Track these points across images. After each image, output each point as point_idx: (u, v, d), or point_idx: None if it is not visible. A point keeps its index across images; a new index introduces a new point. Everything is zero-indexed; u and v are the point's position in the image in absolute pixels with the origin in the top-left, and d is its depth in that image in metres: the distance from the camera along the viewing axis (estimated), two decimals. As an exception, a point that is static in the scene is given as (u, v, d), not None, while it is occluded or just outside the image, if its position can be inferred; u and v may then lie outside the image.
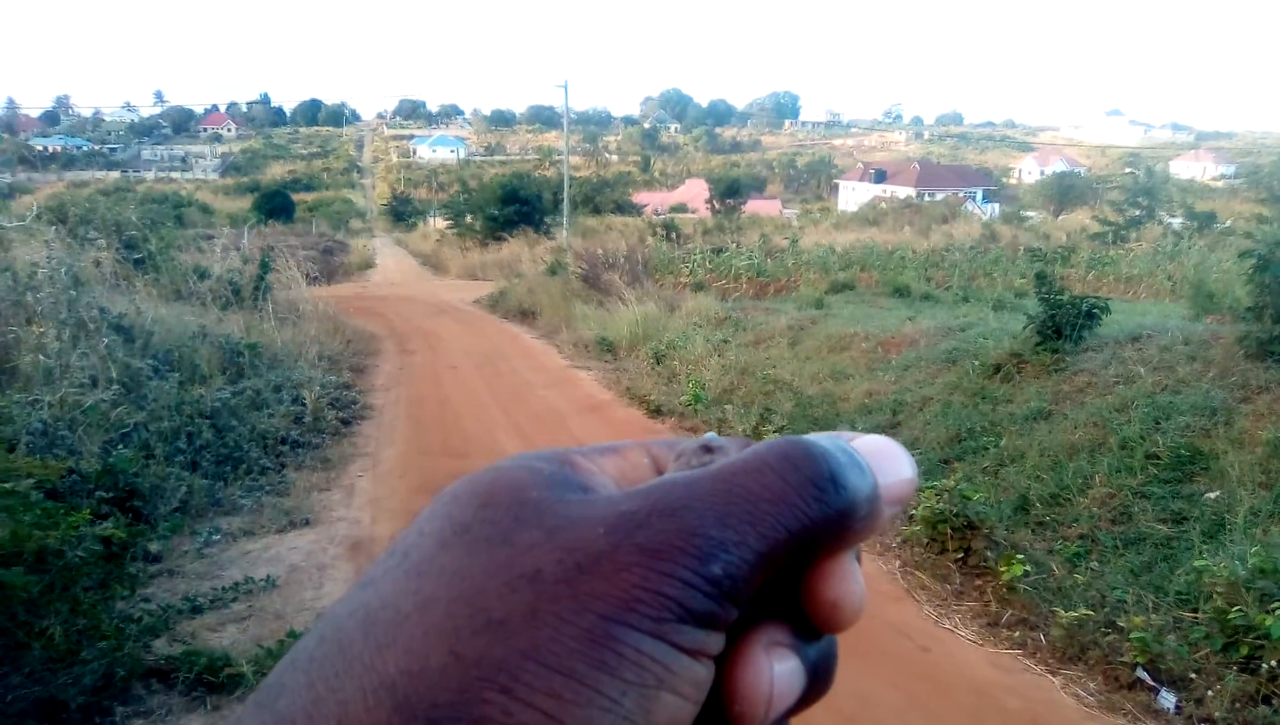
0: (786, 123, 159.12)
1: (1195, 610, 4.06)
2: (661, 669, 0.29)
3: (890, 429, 7.38)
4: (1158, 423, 5.97)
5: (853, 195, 70.46)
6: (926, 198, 52.86)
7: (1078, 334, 7.58)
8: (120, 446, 5.84)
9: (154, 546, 5.13)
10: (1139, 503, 5.28)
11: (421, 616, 0.30)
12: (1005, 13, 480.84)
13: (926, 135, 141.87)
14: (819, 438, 0.34)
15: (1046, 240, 27.00)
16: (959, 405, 7.43)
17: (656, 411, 8.50)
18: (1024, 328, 7.95)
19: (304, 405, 7.90)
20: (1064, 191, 54.30)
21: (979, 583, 4.75)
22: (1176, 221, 30.60)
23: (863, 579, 0.34)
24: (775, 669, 0.32)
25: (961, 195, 57.32)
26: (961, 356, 8.40)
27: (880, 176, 73.44)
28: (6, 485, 4.06)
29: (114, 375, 6.89)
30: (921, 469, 6.24)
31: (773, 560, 0.31)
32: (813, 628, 0.34)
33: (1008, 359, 7.76)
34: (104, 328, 7.70)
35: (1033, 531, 5.30)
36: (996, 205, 56.91)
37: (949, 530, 4.95)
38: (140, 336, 8.45)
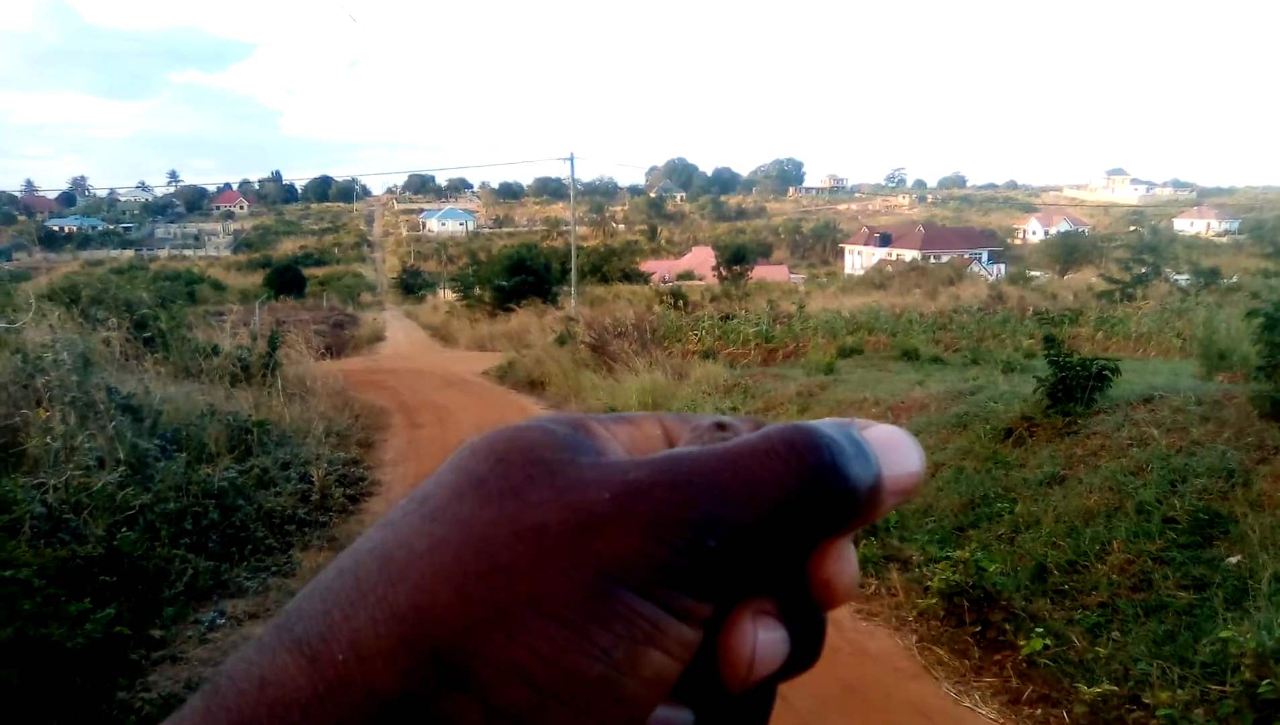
0: (791, 189, 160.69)
1: (1223, 683, 3.94)
2: (650, 627, 0.31)
3: (903, 496, 7.29)
4: (1174, 486, 5.88)
5: (859, 259, 70.97)
6: (932, 260, 53.03)
7: (1088, 396, 7.51)
8: (125, 529, 5.78)
9: (157, 632, 5.05)
10: (1159, 569, 5.17)
11: (433, 557, 0.32)
12: (1006, 75, 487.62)
13: (930, 198, 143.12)
14: (828, 425, 0.36)
15: (1053, 300, 27.01)
16: (971, 471, 7.34)
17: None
18: (1034, 391, 7.89)
19: (311, 483, 7.85)
20: (1069, 251, 54.56)
21: (998, 657, 4.63)
22: (1183, 278, 30.67)
23: (856, 562, 0.36)
24: (760, 636, 0.34)
25: (967, 257, 57.62)
26: (972, 421, 8.32)
27: (885, 240, 73.97)
28: (6, 573, 4.00)
29: (121, 456, 6.86)
30: (936, 538, 6.17)
31: (767, 540, 0.33)
32: (806, 604, 0.36)
33: (1019, 422, 7.69)
34: (112, 408, 7.69)
35: (1051, 600, 5.19)
36: (1002, 266, 57.14)
37: (966, 603, 4.84)
38: (148, 416, 8.44)
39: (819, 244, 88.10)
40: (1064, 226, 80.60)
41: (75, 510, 5.86)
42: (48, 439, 6.48)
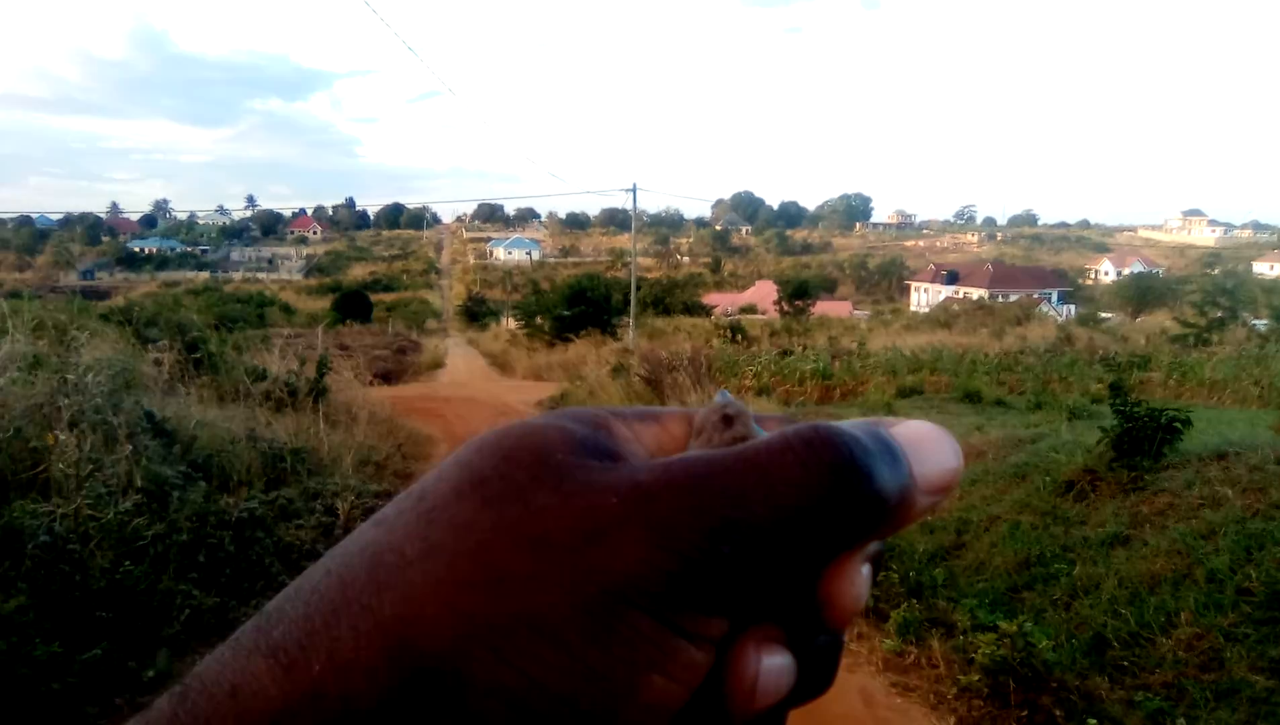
0: (858, 224, 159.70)
1: (1303, 789, 3.48)
2: (654, 649, 0.29)
3: (954, 550, 6.85)
4: (1249, 553, 5.37)
5: (925, 297, 70.04)
6: (1000, 299, 52.05)
7: (1157, 449, 7.00)
8: (128, 562, 5.57)
9: (149, 673, 4.81)
10: (1231, 647, 4.67)
11: (424, 564, 0.30)
12: (1080, 110, 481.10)
13: (1000, 236, 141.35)
14: (853, 424, 0.33)
15: (1124, 343, 26.13)
16: (1028, 526, 6.87)
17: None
18: (1098, 442, 7.40)
19: (336, 515, 7.62)
20: (1142, 293, 53.29)
21: (1044, 748, 4.18)
22: (1261, 323, 29.59)
23: (864, 581, 0.34)
24: (764, 663, 0.32)
25: (1036, 297, 56.33)
26: (1031, 471, 7.84)
27: (952, 278, 72.77)
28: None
29: (139, 483, 6.68)
30: (987, 600, 5.71)
31: (788, 548, 0.31)
32: (813, 624, 0.34)
33: (1081, 475, 7.19)
34: (138, 432, 7.55)
35: (1110, 678, 4.71)
36: (1072, 307, 55.89)
37: (1012, 682, 4.39)
38: (183, 440, 8.31)
39: (884, 281, 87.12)
40: (1137, 268, 78.89)
41: (83, 540, 5.66)
42: (60, 464, 6.30)
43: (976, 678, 4.53)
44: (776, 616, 0.33)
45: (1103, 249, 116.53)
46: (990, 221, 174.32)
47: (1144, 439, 7.04)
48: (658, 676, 0.29)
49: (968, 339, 28.44)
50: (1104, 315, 44.57)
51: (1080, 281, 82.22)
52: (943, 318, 41.19)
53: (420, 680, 0.28)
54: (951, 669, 4.81)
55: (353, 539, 0.32)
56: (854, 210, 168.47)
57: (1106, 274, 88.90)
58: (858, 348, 21.55)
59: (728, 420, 0.35)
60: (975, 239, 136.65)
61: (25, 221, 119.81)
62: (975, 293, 61.43)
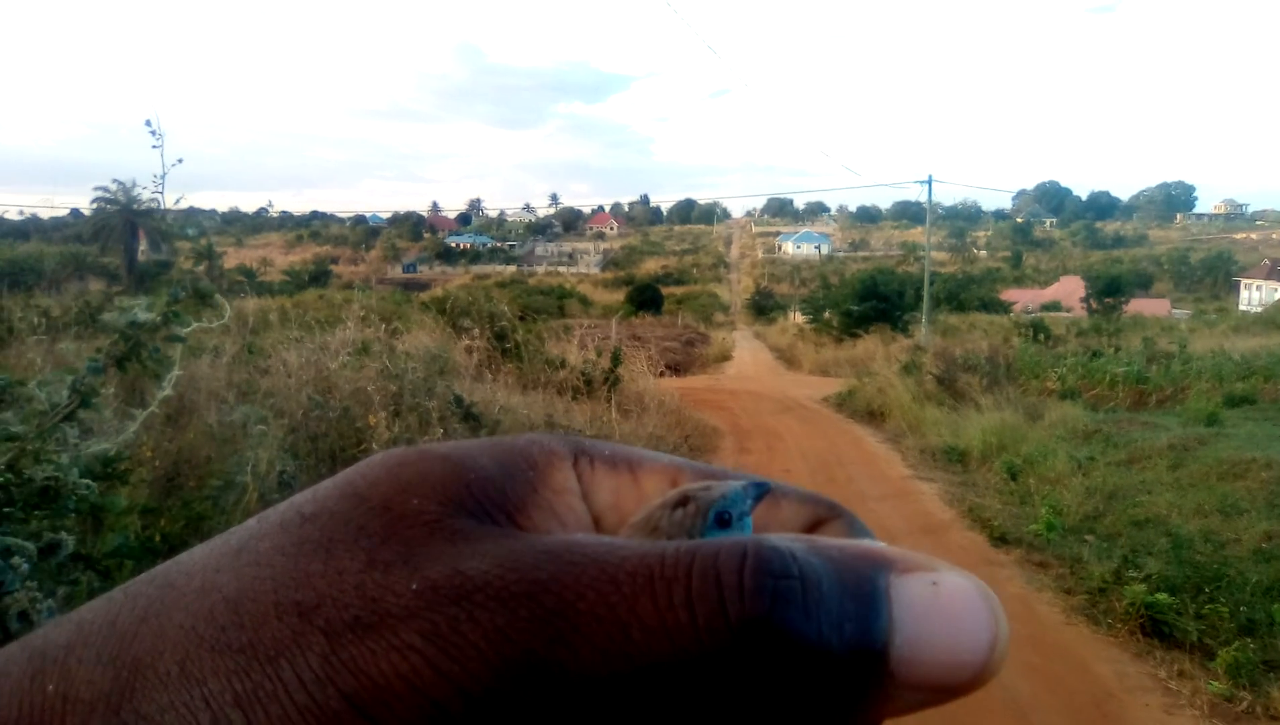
0: (1178, 215, 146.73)
1: None
2: None
3: (1296, 583, 6.06)
4: None
5: (1257, 295, 63.23)
6: (1352, 299, 46.08)
7: None
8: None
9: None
10: None
11: (193, 603, 0.26)
12: None
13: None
14: (831, 550, 0.24)
15: None
16: (1393, 561, 5.99)
17: (1001, 539, 7.54)
18: None
19: (625, 504, 7.79)
20: None
21: None
22: None
23: None
24: None
25: (1399, 297, 49.52)
26: (1397, 499, 6.85)
27: (1293, 274, 65.25)
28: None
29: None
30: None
31: (617, 717, 0.24)
32: None
33: None
34: (450, 416, 8.05)
35: None
36: None
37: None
38: (488, 424, 8.80)
39: (1209, 277, 79.54)
40: None
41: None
42: (377, 444, 6.82)
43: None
44: None
45: None
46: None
47: None
48: None
49: (1311, 344, 25.44)
50: None
51: None
52: (1279, 319, 37.11)
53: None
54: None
55: (196, 549, 0.28)
56: (1174, 200, 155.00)
57: None
58: (1178, 350, 19.71)
59: (682, 502, 0.27)
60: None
61: (360, 220, 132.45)
62: (1320, 291, 54.95)
